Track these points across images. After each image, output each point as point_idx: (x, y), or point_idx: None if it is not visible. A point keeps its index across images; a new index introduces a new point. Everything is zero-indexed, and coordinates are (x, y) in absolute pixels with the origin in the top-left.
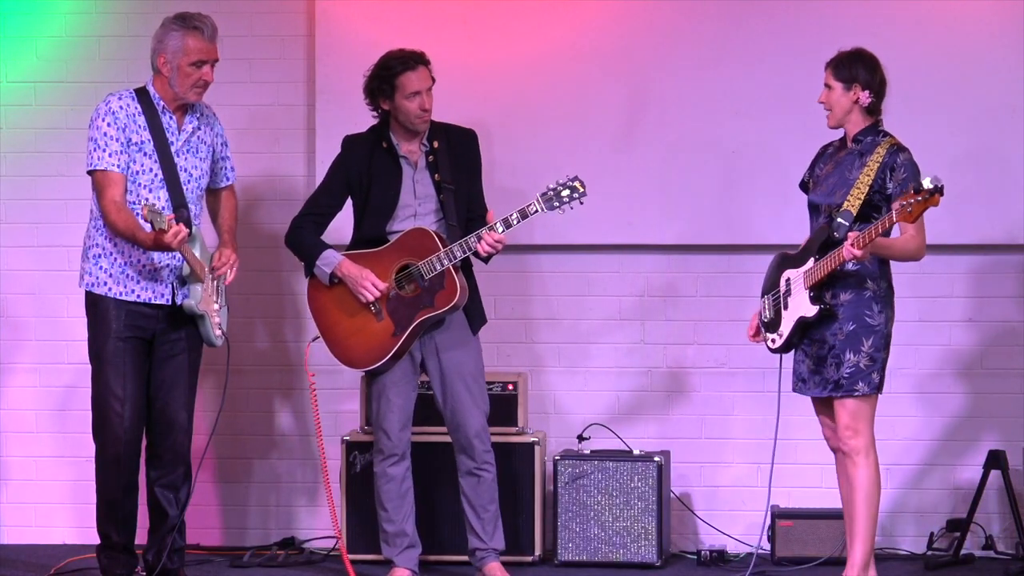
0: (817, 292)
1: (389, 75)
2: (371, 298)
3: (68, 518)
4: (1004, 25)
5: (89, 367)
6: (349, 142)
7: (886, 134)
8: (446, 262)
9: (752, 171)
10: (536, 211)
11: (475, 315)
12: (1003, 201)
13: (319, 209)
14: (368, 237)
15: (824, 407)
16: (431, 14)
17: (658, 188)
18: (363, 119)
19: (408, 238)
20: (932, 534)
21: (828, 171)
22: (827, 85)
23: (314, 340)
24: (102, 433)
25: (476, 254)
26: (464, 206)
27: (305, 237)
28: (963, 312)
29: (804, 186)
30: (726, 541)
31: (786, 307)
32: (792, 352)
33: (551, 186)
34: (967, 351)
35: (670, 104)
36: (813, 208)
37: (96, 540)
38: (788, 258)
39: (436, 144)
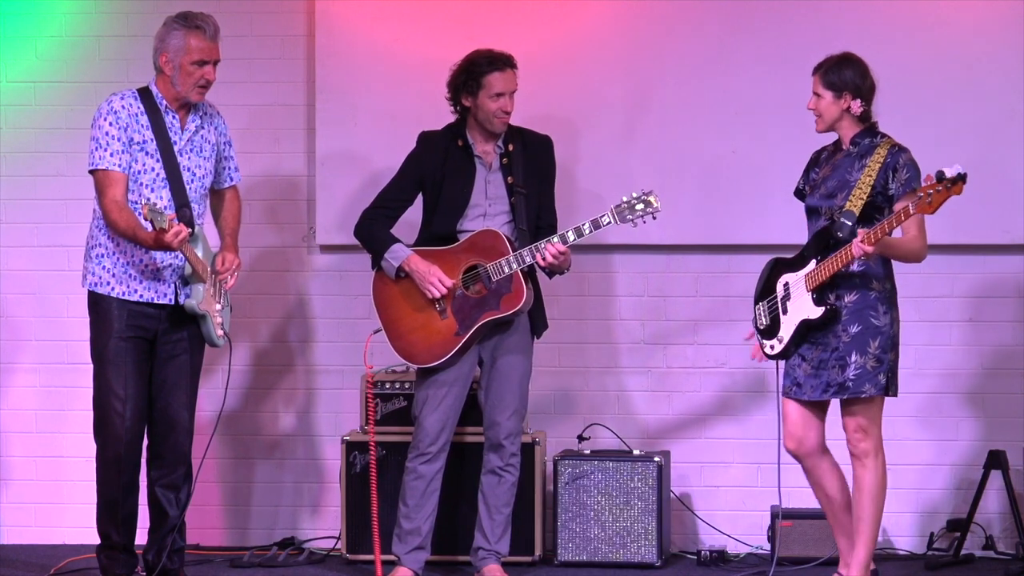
0: (820, 293)
1: (476, 72)
2: (437, 294)
3: (68, 518)
4: (1004, 28)
5: (90, 367)
6: (424, 138)
7: (884, 135)
8: (515, 266)
9: (753, 171)
10: (609, 222)
11: (537, 321)
12: (1003, 201)
13: (390, 203)
14: (437, 234)
15: (807, 412)
16: (431, 14)
17: (658, 188)
18: (363, 119)
19: (478, 239)
20: (932, 534)
21: (825, 174)
22: (816, 93)
23: (375, 332)
24: (103, 433)
25: (548, 267)
26: (534, 211)
27: (375, 230)
28: (963, 312)
29: (800, 193)
30: (726, 541)
31: (785, 312)
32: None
33: (625, 199)
34: (967, 351)
35: (670, 104)
36: (812, 212)
37: (96, 540)
38: (784, 263)
39: (511, 147)
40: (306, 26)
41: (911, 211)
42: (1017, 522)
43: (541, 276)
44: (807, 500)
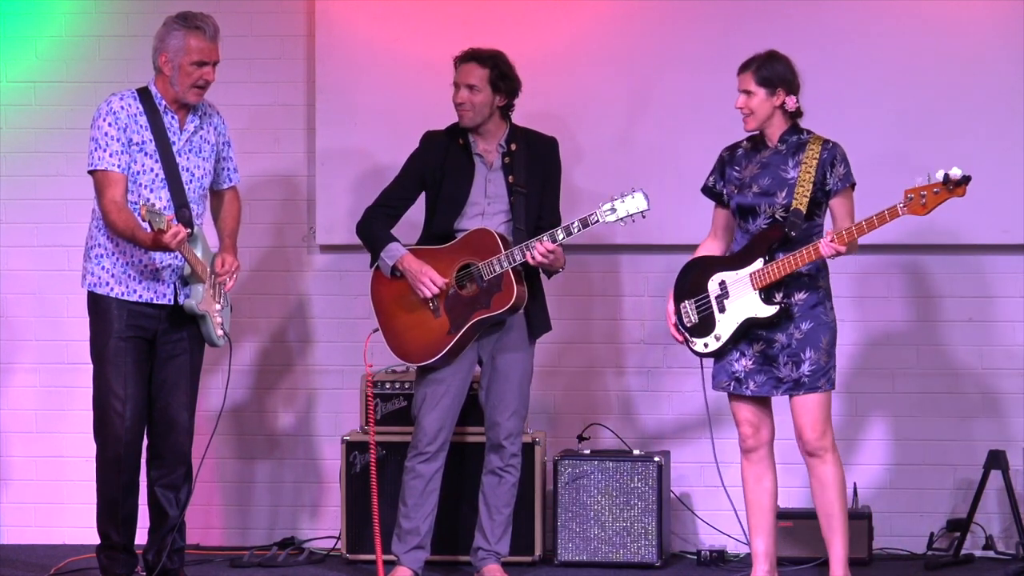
0: (768, 292)
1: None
2: (428, 294)
3: (68, 518)
4: (1004, 28)
5: (89, 367)
6: (427, 137)
7: (809, 132)
8: (505, 264)
9: None
10: (597, 221)
11: (536, 322)
12: (1003, 201)
13: (392, 201)
14: (436, 233)
15: (756, 406)
16: (431, 14)
17: (658, 188)
18: (363, 119)
19: (472, 237)
20: (932, 534)
21: (754, 173)
22: (746, 91)
23: (374, 332)
24: (103, 433)
25: (538, 265)
26: (535, 212)
27: (375, 228)
28: (963, 312)
29: (710, 191)
30: (726, 541)
31: (723, 310)
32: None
33: (615, 197)
34: (967, 351)
35: (670, 104)
36: (747, 211)
37: (96, 540)
38: (715, 261)
39: (514, 147)
40: (306, 26)
41: (900, 212)
42: (1017, 522)
43: (543, 278)
44: (807, 500)
